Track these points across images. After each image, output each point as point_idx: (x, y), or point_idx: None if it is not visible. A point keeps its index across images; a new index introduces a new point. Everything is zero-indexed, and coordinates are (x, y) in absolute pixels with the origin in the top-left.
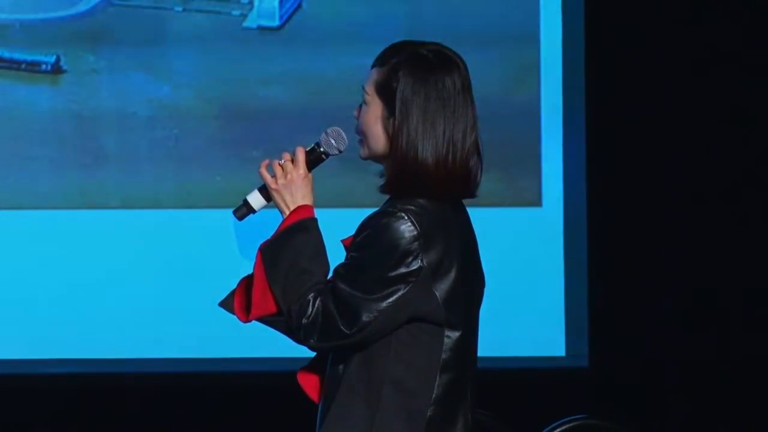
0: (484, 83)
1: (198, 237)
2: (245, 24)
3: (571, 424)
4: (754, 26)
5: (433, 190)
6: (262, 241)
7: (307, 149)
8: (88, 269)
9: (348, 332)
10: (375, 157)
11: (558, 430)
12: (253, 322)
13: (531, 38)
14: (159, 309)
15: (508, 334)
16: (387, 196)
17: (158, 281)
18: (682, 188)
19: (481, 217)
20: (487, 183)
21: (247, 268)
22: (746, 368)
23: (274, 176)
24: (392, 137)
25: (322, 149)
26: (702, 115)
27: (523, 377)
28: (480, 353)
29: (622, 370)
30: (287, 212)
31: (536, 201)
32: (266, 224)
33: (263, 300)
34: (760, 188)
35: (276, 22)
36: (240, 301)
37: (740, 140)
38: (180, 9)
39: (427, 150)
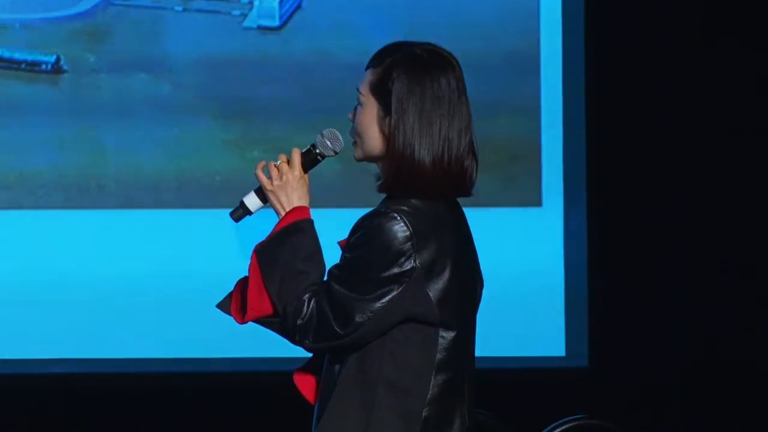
0: (485, 83)
1: (198, 237)
2: (245, 24)
3: (571, 424)
4: (755, 26)
5: (429, 189)
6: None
7: (303, 151)
8: (87, 269)
9: (342, 333)
10: (370, 158)
11: (558, 430)
12: (250, 323)
13: (531, 38)
14: (158, 309)
15: (508, 334)
16: (384, 196)
17: (158, 281)
18: (682, 188)
19: (481, 217)
20: (487, 183)
21: (246, 268)
22: (745, 368)
23: (269, 177)
24: (389, 136)
25: (317, 150)
26: (702, 114)
27: (523, 377)
28: (480, 353)
29: (622, 370)
30: (283, 213)
31: (536, 201)
32: (269, 224)
33: (259, 301)
34: (761, 189)
35: (276, 22)
36: (236, 303)
37: (741, 140)
38: (180, 9)
39: (423, 148)
